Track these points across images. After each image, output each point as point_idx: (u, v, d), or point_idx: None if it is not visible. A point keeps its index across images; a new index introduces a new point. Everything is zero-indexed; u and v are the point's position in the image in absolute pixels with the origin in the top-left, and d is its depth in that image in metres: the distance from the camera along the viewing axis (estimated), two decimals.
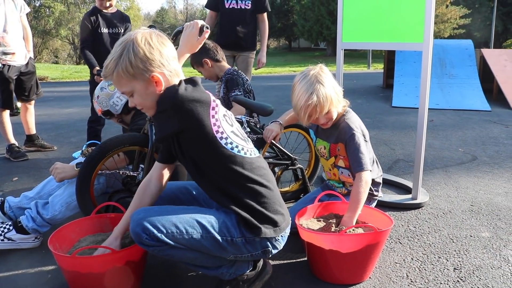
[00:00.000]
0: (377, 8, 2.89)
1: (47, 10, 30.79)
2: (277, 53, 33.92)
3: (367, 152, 2.11)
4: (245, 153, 1.66)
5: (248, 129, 2.54)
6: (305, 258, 2.08)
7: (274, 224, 1.69)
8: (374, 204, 2.36)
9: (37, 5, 33.19)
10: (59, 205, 2.29)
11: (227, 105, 3.01)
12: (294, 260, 2.13)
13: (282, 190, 2.90)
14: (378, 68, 16.85)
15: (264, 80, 11.62)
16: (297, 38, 36.24)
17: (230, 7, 4.06)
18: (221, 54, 3.12)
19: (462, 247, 2.23)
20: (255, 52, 4.29)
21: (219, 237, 1.58)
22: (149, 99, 1.56)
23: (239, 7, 4.05)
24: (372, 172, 2.10)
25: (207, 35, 1.92)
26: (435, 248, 2.22)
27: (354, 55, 28.32)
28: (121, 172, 2.31)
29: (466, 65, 7.60)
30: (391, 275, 1.97)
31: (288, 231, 1.78)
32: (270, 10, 4.30)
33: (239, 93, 2.86)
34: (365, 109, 6.58)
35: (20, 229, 2.25)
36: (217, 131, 1.58)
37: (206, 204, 1.86)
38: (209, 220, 1.59)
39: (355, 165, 2.07)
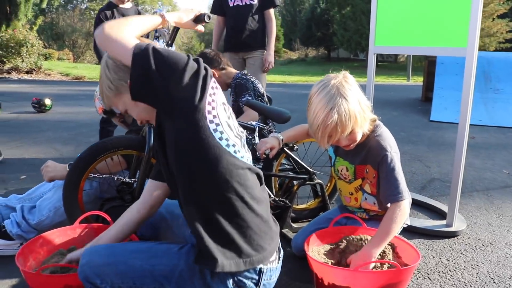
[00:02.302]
0: (415, 9, 2.56)
1: (92, 13, 31.61)
2: (316, 62, 33.55)
3: (403, 177, 1.75)
4: (235, 152, 1.32)
5: (257, 140, 2.25)
6: None
7: (239, 254, 1.32)
8: (400, 231, 2.01)
9: (83, 7, 34.29)
10: (46, 209, 2.09)
11: (238, 113, 2.75)
12: None
13: (298, 207, 2.60)
14: (418, 81, 16.21)
15: (300, 88, 11.34)
16: (336, 48, 35.74)
17: (235, 4, 3.77)
18: (225, 60, 2.90)
19: None
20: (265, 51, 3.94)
21: None
22: (142, 109, 1.39)
23: (244, 3, 3.76)
24: None
25: (201, 27, 1.69)
26: None
27: (393, 67, 27.62)
28: (115, 178, 2.08)
29: None
30: None
31: (273, 273, 1.43)
32: (277, 4, 3.98)
33: (249, 98, 2.59)
34: (401, 122, 6.17)
35: (3, 235, 2.06)
36: (210, 112, 1.26)
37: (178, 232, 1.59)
38: (163, 269, 1.32)
39: (390, 193, 1.70)
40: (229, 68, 2.92)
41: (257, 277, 1.35)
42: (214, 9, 3.96)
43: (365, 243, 1.72)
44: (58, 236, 1.76)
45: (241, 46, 3.82)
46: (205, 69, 1.29)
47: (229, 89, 2.96)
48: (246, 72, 2.95)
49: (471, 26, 2.24)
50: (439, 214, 2.72)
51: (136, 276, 1.30)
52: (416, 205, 2.86)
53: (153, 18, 1.51)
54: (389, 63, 31.77)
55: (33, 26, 17.21)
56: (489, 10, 24.09)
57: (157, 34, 1.87)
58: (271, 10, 3.87)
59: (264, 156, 2.05)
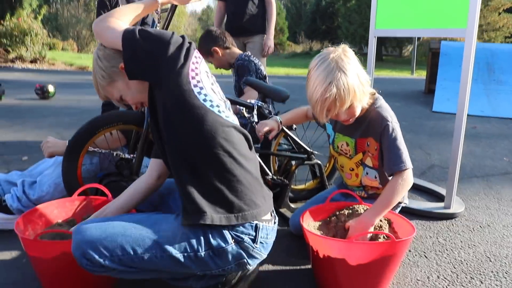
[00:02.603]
0: None
1: (96, 4, 31.53)
2: None
3: (405, 147, 1.74)
4: (219, 111, 1.37)
5: (256, 119, 2.25)
6: (310, 266, 1.79)
7: (230, 209, 1.33)
8: (398, 210, 2.01)
9: None
10: (47, 185, 2.10)
11: (240, 94, 2.76)
12: (298, 267, 1.85)
13: (297, 188, 2.61)
14: (422, 74, 16.12)
15: (303, 80, 11.25)
16: (341, 41, 35.56)
17: None
18: (230, 40, 2.90)
19: (501, 268, 1.88)
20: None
21: (179, 255, 1.29)
22: (135, 91, 1.45)
23: None
24: None
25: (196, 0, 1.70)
26: (467, 267, 1.88)
27: (398, 61, 27.48)
28: (115, 153, 2.09)
29: None
30: None
31: (269, 232, 1.43)
32: None
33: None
34: (403, 113, 6.15)
35: (4, 209, 2.07)
36: (194, 77, 1.35)
37: (174, 206, 1.60)
38: (165, 235, 1.30)
39: (393, 162, 1.69)
40: (233, 48, 2.91)
41: (254, 233, 1.37)
42: None
43: (358, 214, 1.72)
44: (56, 207, 1.78)
45: (241, 30, 3.81)
46: (189, 42, 1.39)
47: (232, 70, 2.96)
48: (249, 54, 2.94)
49: (470, 7, 2.23)
50: (437, 197, 2.72)
51: (137, 245, 1.27)
52: (415, 189, 2.87)
53: (147, 2, 1.61)
54: (393, 57, 31.61)
55: (37, 15, 17.19)
56: (494, 5, 23.90)
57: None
58: None
59: (264, 136, 2.06)
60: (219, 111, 1.37)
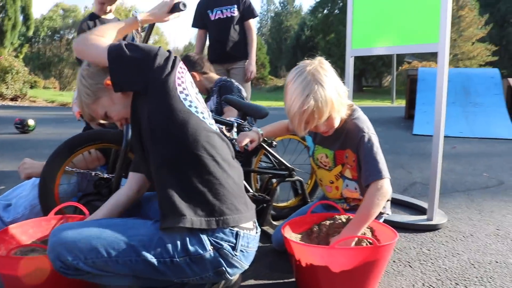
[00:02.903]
0: (388, 11, 2.64)
1: None
2: None
3: (382, 157, 1.74)
4: (203, 118, 1.40)
5: (236, 136, 2.26)
6: (293, 279, 1.76)
7: (211, 212, 1.31)
8: (381, 221, 2.00)
9: (70, 37, 34.44)
10: (22, 207, 2.05)
11: (220, 115, 2.77)
12: (282, 281, 1.81)
13: (279, 205, 2.59)
14: (402, 103, 16.49)
15: (283, 110, 11.39)
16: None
17: (216, 17, 3.84)
18: (207, 65, 2.93)
19: (485, 273, 1.87)
20: None
21: (153, 260, 1.26)
22: (120, 106, 1.46)
23: (225, 16, 3.82)
24: None
25: (178, 14, 1.72)
26: (452, 274, 1.87)
27: (379, 91, 28.05)
28: (93, 173, 2.06)
29: (492, 94, 7.22)
30: None
31: (250, 240, 1.40)
32: (257, 15, 4.06)
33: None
34: (384, 136, 6.22)
35: None
36: (179, 84, 1.37)
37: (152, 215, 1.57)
38: (141, 239, 1.28)
39: (370, 173, 1.68)
40: (210, 73, 2.94)
41: (234, 241, 1.34)
42: (196, 23, 4.01)
43: (340, 223, 1.71)
44: (32, 227, 1.73)
45: (226, 57, 3.87)
46: (175, 56, 1.42)
47: (211, 93, 2.98)
48: (228, 78, 2.97)
49: (441, 22, 2.30)
50: (420, 211, 2.73)
51: (112, 248, 1.25)
52: (397, 204, 2.87)
53: (128, 21, 1.64)
54: (374, 88, 32.28)
55: (19, 54, 17.23)
56: (468, 35, 24.83)
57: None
58: (251, 21, 3.93)
59: (244, 149, 2.06)
60: (203, 117, 1.40)
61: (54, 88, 21.63)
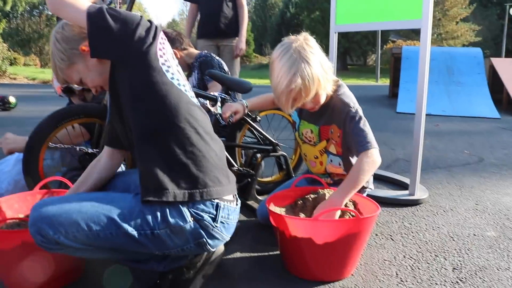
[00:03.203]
0: None
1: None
2: None
3: (369, 128, 1.74)
4: (185, 90, 1.38)
5: (221, 110, 2.26)
6: (279, 252, 1.79)
7: (194, 185, 1.32)
8: (364, 195, 2.04)
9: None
10: (6, 182, 2.04)
11: (204, 89, 2.76)
12: (266, 253, 1.84)
13: (263, 180, 2.61)
14: (386, 82, 16.59)
15: (268, 88, 11.38)
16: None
17: None
18: (186, 41, 2.88)
19: (464, 246, 1.93)
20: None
21: (134, 232, 1.26)
22: (96, 73, 1.41)
23: None
24: None
25: None
26: (432, 246, 1.92)
27: (363, 70, 28.09)
28: (78, 148, 2.05)
29: (474, 73, 7.30)
30: (378, 273, 1.67)
31: (231, 212, 1.40)
32: None
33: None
34: (368, 114, 6.20)
35: None
36: (161, 56, 1.33)
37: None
38: (121, 212, 1.27)
39: (360, 145, 1.68)
40: (190, 49, 2.90)
41: (214, 212, 1.34)
42: None
43: (323, 196, 1.73)
44: (17, 201, 1.71)
45: (217, 33, 3.84)
46: (156, 26, 1.37)
47: (193, 70, 2.95)
48: (208, 51, 2.94)
49: None
50: (402, 187, 2.78)
51: (92, 221, 1.24)
52: (380, 179, 2.92)
53: None
54: (358, 67, 32.31)
55: None
56: (452, 14, 24.91)
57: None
58: None
59: (229, 120, 2.06)
60: (185, 90, 1.38)
61: (35, 65, 21.21)
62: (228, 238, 1.43)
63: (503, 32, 24.32)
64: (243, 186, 2.34)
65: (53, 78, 2.39)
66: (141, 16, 1.35)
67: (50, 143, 1.97)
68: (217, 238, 1.38)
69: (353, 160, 1.88)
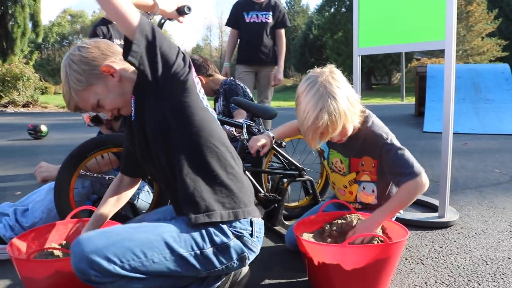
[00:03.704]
0: (394, 8, 2.65)
1: None
2: None
3: (410, 154, 1.74)
4: (215, 116, 1.48)
5: (246, 136, 2.28)
6: (306, 278, 1.78)
7: (237, 204, 1.41)
8: (393, 219, 2.01)
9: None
10: (39, 211, 2.09)
11: (229, 117, 2.80)
12: (295, 280, 1.83)
13: (290, 205, 2.61)
14: (412, 100, 16.39)
15: (293, 110, 11.43)
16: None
17: (251, 21, 4.01)
18: (212, 67, 2.96)
19: (498, 270, 1.87)
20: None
21: (186, 254, 1.30)
22: (116, 94, 1.44)
23: (259, 20, 4.00)
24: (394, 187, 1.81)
25: (182, 19, 1.73)
26: (464, 271, 1.87)
27: (388, 89, 27.88)
28: (107, 177, 2.10)
29: (502, 89, 7.17)
30: None
31: (261, 226, 1.50)
32: (289, 25, 4.19)
33: None
34: (395, 134, 6.18)
35: None
36: (198, 83, 1.43)
37: None
38: (170, 235, 1.29)
39: (404, 174, 1.67)
40: (216, 75, 2.96)
41: (250, 228, 1.43)
42: (230, 22, 4.17)
43: (351, 222, 1.73)
44: (49, 231, 1.77)
45: (254, 61, 4.03)
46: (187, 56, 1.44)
47: (218, 96, 3.01)
48: (233, 78, 3.00)
49: (447, 19, 2.31)
50: (432, 209, 2.73)
51: (146, 247, 1.24)
52: None
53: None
54: (383, 86, 32.10)
55: (29, 61, 17.43)
56: (477, 29, 24.59)
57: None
58: (283, 30, 4.11)
59: (256, 154, 2.07)
60: (215, 116, 1.48)
61: None
62: (258, 251, 1.52)
63: None
64: (270, 212, 2.35)
65: None
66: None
67: (81, 171, 2.03)
68: (254, 252, 1.48)
69: (390, 188, 1.89)
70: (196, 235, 1.32)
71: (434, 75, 7.72)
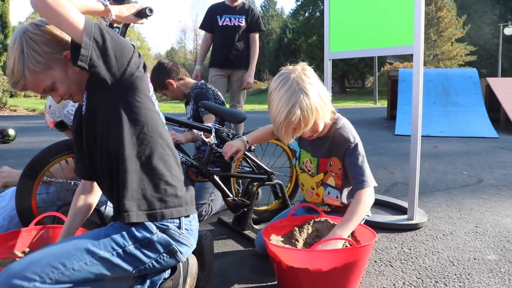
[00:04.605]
0: (364, 14, 2.68)
1: None
2: None
3: (367, 165, 1.79)
4: (164, 121, 1.50)
5: (215, 140, 2.26)
6: (275, 282, 1.76)
7: (179, 204, 1.43)
8: (362, 222, 2.02)
9: None
10: (0, 218, 2.03)
11: (199, 121, 2.77)
12: (264, 284, 1.81)
13: (259, 209, 2.60)
14: (385, 104, 16.68)
15: (266, 114, 11.49)
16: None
17: (224, 24, 3.99)
18: (182, 71, 2.91)
19: (464, 270, 1.90)
20: None
21: (107, 255, 1.28)
22: (73, 82, 1.40)
23: (232, 24, 3.98)
24: None
25: (143, 20, 1.69)
26: (432, 272, 1.89)
27: (362, 92, 28.29)
28: (72, 182, 2.04)
29: (471, 93, 7.36)
30: None
31: (192, 219, 1.48)
32: (264, 29, 4.19)
33: None
34: (367, 138, 6.30)
35: None
36: (150, 87, 1.43)
37: None
38: (88, 241, 1.29)
39: (356, 181, 1.75)
40: (186, 79, 2.92)
41: (178, 221, 1.42)
42: (204, 26, 4.15)
43: (321, 224, 1.73)
44: (12, 238, 1.70)
45: (226, 64, 4.00)
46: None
47: (189, 99, 2.97)
48: (204, 82, 2.97)
49: (415, 24, 2.34)
50: (401, 211, 2.76)
51: (64, 258, 1.23)
52: (379, 204, 2.90)
53: (97, 3, 1.49)
54: (357, 89, 32.54)
55: None
56: (447, 35, 25.25)
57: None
58: (257, 34, 4.09)
59: (231, 156, 2.04)
60: (164, 122, 1.49)
61: (35, 96, 21.32)
62: (195, 245, 1.50)
63: (498, 51, 24.56)
64: (239, 216, 2.33)
65: (46, 112, 2.37)
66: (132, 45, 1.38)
67: (44, 178, 1.97)
68: (185, 245, 1.45)
69: (349, 192, 1.90)
70: (116, 235, 1.32)
71: (405, 79, 7.86)
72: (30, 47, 1.30)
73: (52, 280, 1.20)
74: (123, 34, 1.89)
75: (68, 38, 1.33)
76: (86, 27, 1.23)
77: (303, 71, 1.67)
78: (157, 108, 1.44)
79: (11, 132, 6.43)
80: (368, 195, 1.72)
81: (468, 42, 26.00)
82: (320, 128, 1.77)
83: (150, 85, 1.42)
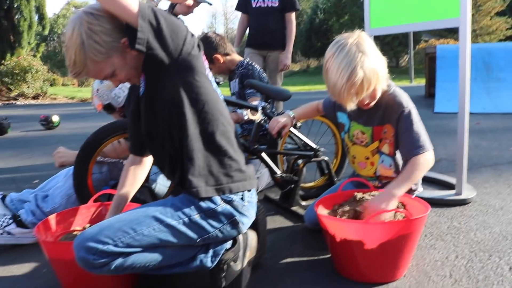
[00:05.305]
0: None
1: None
2: (318, 72, 33.53)
3: (424, 129, 1.75)
4: (222, 99, 1.56)
5: (263, 117, 2.28)
6: (329, 255, 1.79)
7: (243, 178, 1.50)
8: (413, 197, 2.00)
9: None
10: (59, 197, 2.12)
11: (244, 100, 2.79)
12: (316, 257, 1.85)
13: (306, 185, 2.62)
14: (421, 82, 16.23)
15: (302, 95, 11.41)
16: None
17: (257, 5, 3.97)
18: (229, 46, 2.90)
19: None
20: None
21: (174, 223, 1.36)
22: (131, 67, 1.45)
23: (265, 5, 3.95)
24: None
25: (190, 1, 1.70)
26: (485, 246, 1.87)
27: (396, 71, 27.63)
28: (124, 162, 2.12)
29: None
30: (431, 274, 1.65)
31: (253, 192, 1.55)
32: (299, 8, 4.13)
33: None
34: None
35: (20, 223, 2.09)
36: (207, 67, 1.49)
37: None
38: (157, 209, 1.38)
39: (412, 147, 1.71)
40: (233, 54, 2.90)
41: (242, 194, 1.48)
42: (239, 7, 4.16)
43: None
44: (73, 215, 1.80)
45: (262, 45, 4.01)
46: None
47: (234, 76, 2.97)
48: (249, 61, 2.96)
49: None
50: (448, 187, 2.72)
51: (134, 224, 1.32)
52: (425, 180, 2.86)
53: None
54: (391, 68, 31.81)
55: (36, 53, 17.49)
56: (486, 9, 24.21)
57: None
58: (292, 14, 4.03)
59: (277, 134, 2.04)
60: (222, 99, 1.54)
61: (73, 84, 21.90)
62: (254, 218, 1.55)
63: None
64: (287, 193, 2.36)
65: (94, 96, 2.45)
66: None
67: (98, 158, 2.04)
68: (246, 216, 1.50)
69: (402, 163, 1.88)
70: (182, 205, 1.39)
71: (444, 55, 7.62)
72: (90, 38, 1.32)
73: (123, 244, 1.29)
74: (170, 13, 1.93)
75: (121, 25, 1.36)
76: (141, 10, 1.28)
77: (360, 37, 1.65)
78: (215, 85, 1.48)
79: (55, 118, 6.66)
80: (425, 159, 1.69)
81: (509, 15, 24.87)
82: (378, 94, 1.74)
83: (206, 63, 1.45)
